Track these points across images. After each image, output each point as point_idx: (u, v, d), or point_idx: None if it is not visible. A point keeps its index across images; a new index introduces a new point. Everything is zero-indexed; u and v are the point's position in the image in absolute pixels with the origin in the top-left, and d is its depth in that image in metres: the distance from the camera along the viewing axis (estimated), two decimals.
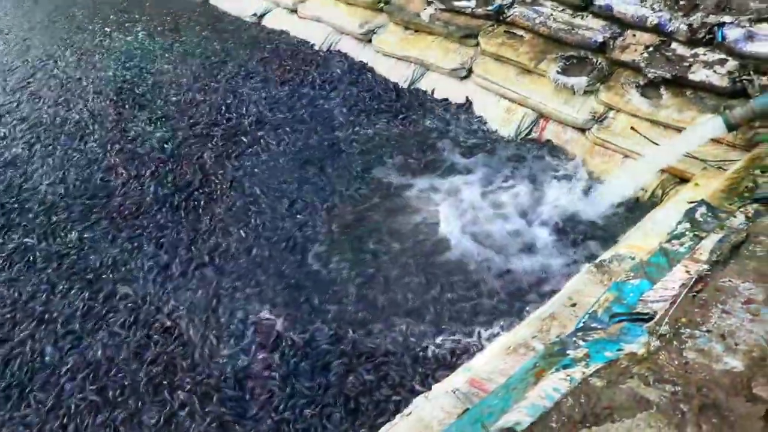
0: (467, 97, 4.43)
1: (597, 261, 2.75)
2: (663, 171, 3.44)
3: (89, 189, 3.82)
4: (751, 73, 3.31)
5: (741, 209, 2.46)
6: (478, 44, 4.45)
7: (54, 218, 3.61)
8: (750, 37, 3.33)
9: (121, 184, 3.84)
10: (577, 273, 2.72)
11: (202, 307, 3.01)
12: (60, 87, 4.99)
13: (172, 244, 3.40)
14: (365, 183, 3.78)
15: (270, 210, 3.61)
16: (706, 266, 2.03)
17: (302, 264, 3.25)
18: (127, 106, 4.65)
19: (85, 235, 3.48)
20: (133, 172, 3.93)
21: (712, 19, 3.49)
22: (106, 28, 6.07)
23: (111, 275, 3.23)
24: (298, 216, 3.56)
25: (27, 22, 6.41)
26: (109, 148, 4.17)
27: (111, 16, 6.36)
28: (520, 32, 4.30)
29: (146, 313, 3.01)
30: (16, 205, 3.74)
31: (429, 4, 4.79)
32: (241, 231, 3.46)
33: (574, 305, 2.43)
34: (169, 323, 2.94)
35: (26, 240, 3.47)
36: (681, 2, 3.64)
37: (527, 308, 2.90)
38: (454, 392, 1.99)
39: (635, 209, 3.43)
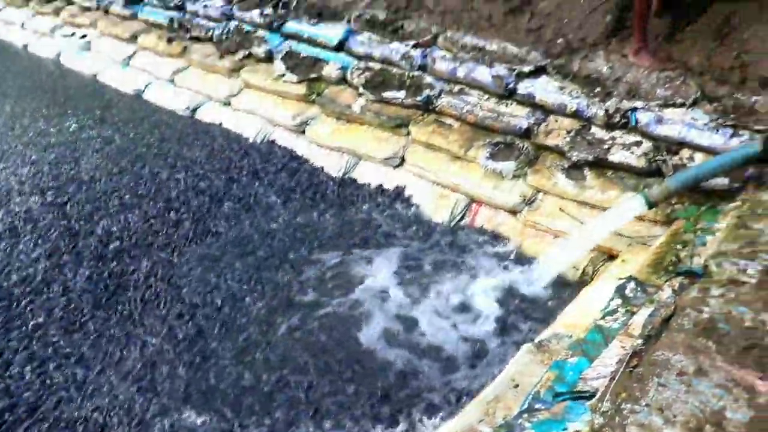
0: (401, 185, 4.53)
1: (536, 341, 2.80)
2: (592, 249, 3.58)
3: (14, 292, 3.67)
4: (664, 153, 3.56)
5: (667, 283, 2.59)
6: (409, 133, 4.61)
7: None
8: (659, 120, 3.59)
9: (59, 289, 3.68)
10: (517, 354, 2.75)
11: (131, 416, 2.90)
12: None
13: (102, 350, 3.27)
14: (295, 273, 3.77)
15: (201, 309, 3.55)
16: (639, 341, 2.12)
17: (229, 366, 3.18)
18: (63, 204, 4.53)
19: (9, 340, 3.32)
20: (69, 274, 3.80)
21: (625, 104, 3.75)
22: (37, 123, 6.00)
23: (35, 383, 3.08)
24: (224, 315, 3.51)
25: None
26: (42, 250, 4.01)
27: (43, 110, 6.31)
28: (449, 120, 4.49)
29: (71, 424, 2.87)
30: None
31: (360, 95, 4.95)
32: (176, 334, 3.37)
33: (516, 386, 2.45)
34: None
35: None
36: (596, 90, 3.90)
37: (464, 399, 2.90)
38: None
39: (568, 287, 3.54)
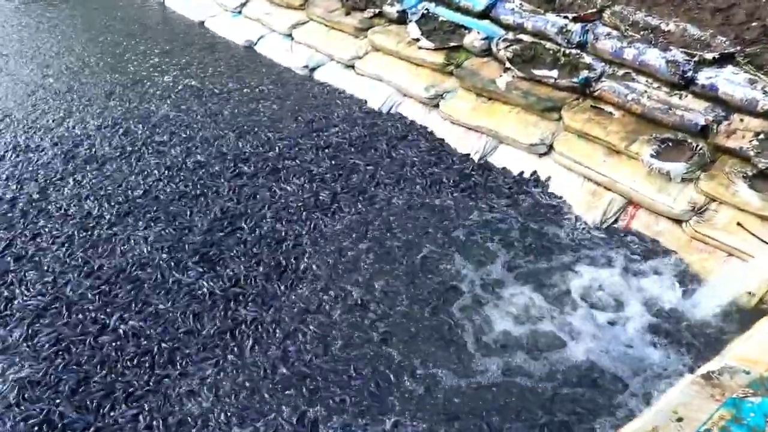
0: (547, 177, 4.53)
1: (704, 372, 2.76)
2: None
3: None
4: None
5: None
6: (560, 119, 4.58)
7: None
8: None
9: None
10: (679, 382, 2.73)
11: None
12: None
13: None
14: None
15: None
16: None
17: None
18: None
19: None
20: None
21: None
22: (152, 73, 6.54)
23: None
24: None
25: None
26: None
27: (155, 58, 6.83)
28: (609, 108, 4.43)
29: None
30: None
31: (506, 70, 4.95)
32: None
33: (680, 420, 2.44)
34: None
35: None
36: None
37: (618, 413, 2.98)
38: None
39: (741, 315, 3.46)
